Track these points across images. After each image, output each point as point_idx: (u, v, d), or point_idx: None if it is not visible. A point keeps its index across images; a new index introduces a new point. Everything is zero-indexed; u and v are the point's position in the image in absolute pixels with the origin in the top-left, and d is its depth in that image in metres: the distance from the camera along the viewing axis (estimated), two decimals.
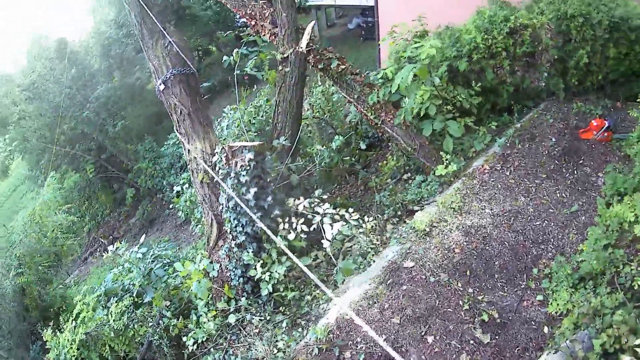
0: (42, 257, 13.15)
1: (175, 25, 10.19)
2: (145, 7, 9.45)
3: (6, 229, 14.24)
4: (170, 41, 9.15)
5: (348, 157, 10.91)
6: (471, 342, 6.70)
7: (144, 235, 14.05)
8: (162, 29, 9.30)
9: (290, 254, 5.79)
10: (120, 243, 10.93)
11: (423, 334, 6.93)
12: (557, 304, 6.53)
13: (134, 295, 9.59)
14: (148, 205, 20.21)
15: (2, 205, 24.99)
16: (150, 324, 9.01)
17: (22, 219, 14.65)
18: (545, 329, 6.64)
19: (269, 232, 6.34)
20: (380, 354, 6.83)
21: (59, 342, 8.90)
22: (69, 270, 18.17)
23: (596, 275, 6.71)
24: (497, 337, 6.71)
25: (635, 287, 6.10)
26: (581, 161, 9.25)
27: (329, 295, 6.48)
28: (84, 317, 9.23)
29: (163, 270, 9.78)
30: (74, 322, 9.16)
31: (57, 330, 9.28)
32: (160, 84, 9.04)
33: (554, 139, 9.67)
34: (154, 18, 9.35)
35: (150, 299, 9.27)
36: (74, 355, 8.65)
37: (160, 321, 8.92)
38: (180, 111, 9.03)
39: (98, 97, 20.59)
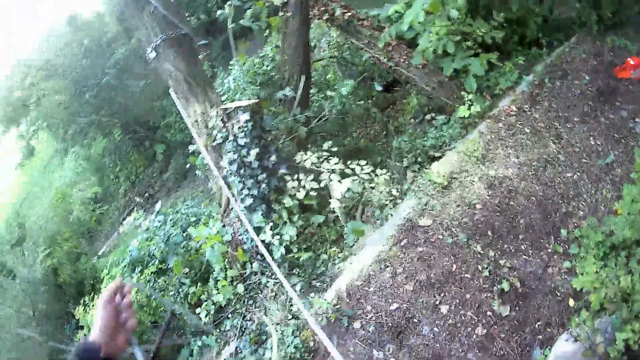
0: (70, 234, 13.06)
1: None
2: None
3: (34, 211, 14.27)
4: (155, 6, 8.50)
5: (362, 102, 10.23)
6: (488, 314, 6.17)
7: (159, 202, 13.85)
8: None
9: None
10: (138, 212, 10.66)
11: (437, 303, 6.46)
12: (583, 280, 5.95)
13: (157, 261, 9.45)
14: (180, 159, 19.92)
15: (34, 184, 24.97)
16: (171, 293, 8.89)
17: (49, 200, 14.65)
18: (571, 302, 5.99)
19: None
20: (390, 324, 6.44)
21: (89, 320, 8.84)
22: (108, 234, 18.43)
23: (630, 244, 5.93)
24: (517, 308, 6.14)
25: None
26: (618, 103, 8.37)
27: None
28: None
29: (181, 235, 9.49)
30: None
31: (87, 306, 9.20)
32: (150, 52, 8.49)
33: (587, 77, 8.83)
34: None
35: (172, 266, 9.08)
36: None
37: (179, 289, 8.79)
38: (176, 76, 8.55)
39: (117, 61, 20.25)
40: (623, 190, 6.43)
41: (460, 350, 6.01)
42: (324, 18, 10.17)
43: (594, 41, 9.58)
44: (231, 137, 7.49)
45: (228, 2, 10.01)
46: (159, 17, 8.43)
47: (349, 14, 10.15)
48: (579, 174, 7.58)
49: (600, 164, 7.59)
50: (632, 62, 8.63)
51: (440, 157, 8.63)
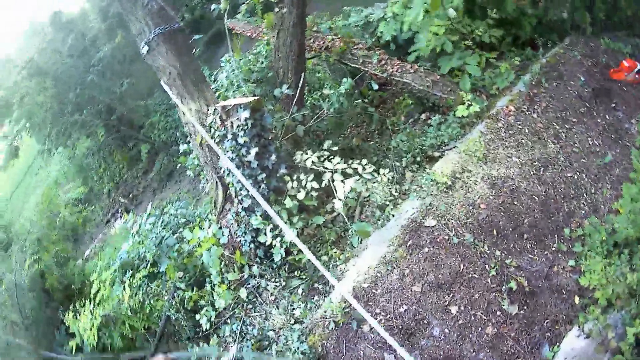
0: (57, 237, 12.82)
1: None
2: None
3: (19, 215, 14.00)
4: None
5: (359, 100, 10.18)
6: (498, 313, 6.17)
7: (149, 203, 13.64)
8: None
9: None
10: (127, 213, 10.46)
11: (446, 304, 6.41)
12: (590, 277, 5.95)
13: (148, 265, 9.12)
14: (164, 159, 19.77)
15: (18, 186, 24.58)
16: (166, 298, 8.64)
17: (34, 202, 14.39)
18: (577, 299, 6.06)
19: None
20: (400, 326, 6.34)
21: (79, 327, 8.54)
22: (93, 236, 18.17)
23: (632, 242, 6.08)
24: (525, 307, 6.17)
25: None
26: (613, 105, 8.52)
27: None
28: (102, 296, 8.90)
29: (174, 237, 9.21)
30: (92, 302, 8.82)
31: (77, 313, 8.88)
32: (143, 47, 8.22)
33: (583, 78, 8.89)
34: None
35: (164, 270, 8.84)
36: (94, 340, 8.32)
37: (174, 294, 8.53)
38: (170, 72, 8.23)
39: (101, 59, 19.96)
40: (623, 189, 6.53)
41: (472, 351, 5.99)
42: (322, 54, 10.63)
43: (588, 43, 9.64)
44: (230, 136, 7.27)
45: None
46: (153, 10, 8.15)
47: (344, 47, 10.59)
48: (578, 173, 7.66)
49: (599, 164, 7.68)
50: (626, 65, 8.74)
51: (439, 157, 8.57)
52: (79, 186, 19.88)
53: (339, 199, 7.50)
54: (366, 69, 10.40)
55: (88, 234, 18.49)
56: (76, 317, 8.70)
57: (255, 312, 7.73)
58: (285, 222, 7.43)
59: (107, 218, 19.44)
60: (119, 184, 20.74)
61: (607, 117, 8.39)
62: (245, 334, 7.53)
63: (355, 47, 10.63)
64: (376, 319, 6.50)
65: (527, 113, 8.72)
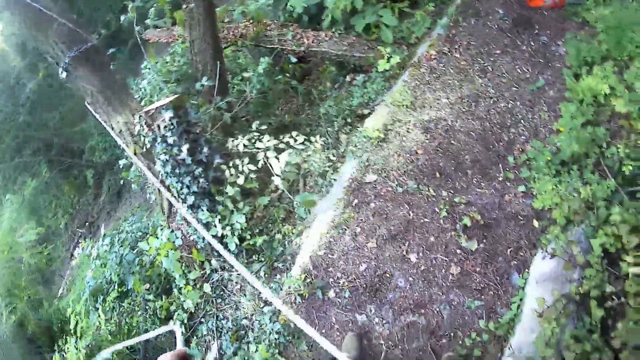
0: (26, 282, 12.64)
1: (61, 6, 9.05)
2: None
3: None
4: (59, 22, 8.09)
5: (280, 76, 10.13)
6: (458, 252, 6.25)
7: (102, 226, 13.52)
8: (42, 10, 8.19)
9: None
10: (85, 241, 10.34)
11: (404, 253, 6.48)
12: (543, 198, 5.99)
13: (116, 286, 9.07)
14: (110, 179, 19.44)
15: None
16: (139, 313, 8.60)
17: None
18: (536, 223, 6.15)
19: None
20: (365, 285, 6.42)
21: None
22: (61, 273, 17.71)
23: (579, 157, 6.19)
24: (484, 240, 6.24)
25: (626, 173, 5.69)
26: (536, 32, 8.52)
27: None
28: (81, 328, 8.91)
29: (132, 253, 9.13)
30: (74, 336, 8.81)
31: (62, 351, 8.95)
32: (61, 72, 8.09)
33: (501, 11, 8.92)
34: (35, 5, 8.27)
35: (132, 286, 8.79)
36: None
37: (146, 307, 8.51)
38: (91, 92, 8.13)
39: (28, 97, 19.60)
40: (561, 109, 6.57)
41: (440, 293, 6.08)
42: (235, 41, 10.56)
43: None
44: (159, 139, 7.19)
45: (130, 4, 9.67)
46: (63, 33, 8.02)
47: (257, 29, 10.54)
48: (512, 102, 7.68)
49: (532, 89, 7.71)
50: None
51: (369, 114, 8.61)
52: (34, 227, 19.51)
53: (277, 175, 7.53)
54: (283, 47, 10.41)
55: (56, 273, 18.20)
56: (63, 356, 8.75)
57: (225, 305, 7.73)
58: (232, 210, 7.45)
59: (70, 252, 19.14)
60: (74, 215, 20.36)
61: (532, 43, 8.41)
62: (222, 329, 7.53)
63: (268, 28, 10.64)
64: (338, 283, 6.60)
65: (449, 54, 8.75)
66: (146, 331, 8.31)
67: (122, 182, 13.46)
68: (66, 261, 18.47)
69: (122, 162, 9.56)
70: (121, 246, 9.45)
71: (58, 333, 10.96)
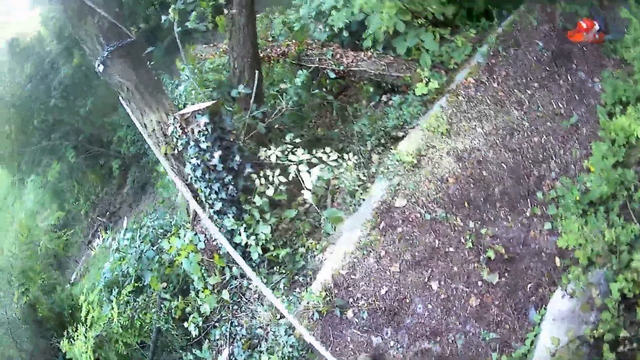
0: (41, 266, 12.70)
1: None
2: None
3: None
4: (100, 15, 8.13)
5: (317, 90, 10.16)
6: (479, 283, 6.24)
7: (125, 218, 13.55)
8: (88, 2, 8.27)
9: None
10: (106, 232, 10.37)
11: (426, 280, 6.49)
12: (568, 238, 5.95)
13: (133, 280, 9.10)
14: (136, 172, 19.41)
15: None
16: (153, 310, 8.61)
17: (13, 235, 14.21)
18: (558, 261, 6.08)
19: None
20: (383, 308, 6.43)
21: (75, 352, 8.48)
22: (77, 259, 17.90)
23: (607, 199, 6.10)
24: (506, 274, 6.22)
25: None
26: (574, 66, 8.38)
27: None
28: (92, 317, 8.84)
29: (153, 250, 9.21)
30: (84, 325, 8.75)
31: (71, 338, 8.81)
32: (98, 66, 8.13)
33: (541, 43, 8.81)
34: None
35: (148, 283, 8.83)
36: None
37: (161, 305, 8.54)
38: (127, 87, 8.17)
39: (62, 82, 19.58)
40: (592, 147, 6.50)
41: (457, 323, 6.07)
42: (278, 61, 10.71)
43: (544, 8, 9.56)
44: (192, 143, 7.26)
45: (172, 7, 9.73)
46: (104, 27, 8.06)
47: (298, 49, 10.72)
48: (545, 137, 7.61)
49: (566, 125, 7.62)
50: (584, 25, 8.65)
51: (403, 137, 8.60)
52: (56, 211, 19.60)
53: (308, 189, 7.57)
54: (324, 67, 10.47)
55: (72, 258, 18.27)
56: (71, 343, 8.64)
57: (241, 312, 7.77)
58: (258, 220, 7.48)
59: (89, 239, 19.18)
60: (96, 203, 20.44)
61: (569, 78, 8.31)
62: (235, 335, 7.55)
63: (309, 47, 10.77)
64: (358, 303, 6.60)
65: (487, 83, 8.69)
66: (158, 329, 8.42)
67: (149, 176, 13.49)
68: (83, 247, 18.60)
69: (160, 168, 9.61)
70: (142, 242, 9.51)
71: (68, 319, 11.00)
